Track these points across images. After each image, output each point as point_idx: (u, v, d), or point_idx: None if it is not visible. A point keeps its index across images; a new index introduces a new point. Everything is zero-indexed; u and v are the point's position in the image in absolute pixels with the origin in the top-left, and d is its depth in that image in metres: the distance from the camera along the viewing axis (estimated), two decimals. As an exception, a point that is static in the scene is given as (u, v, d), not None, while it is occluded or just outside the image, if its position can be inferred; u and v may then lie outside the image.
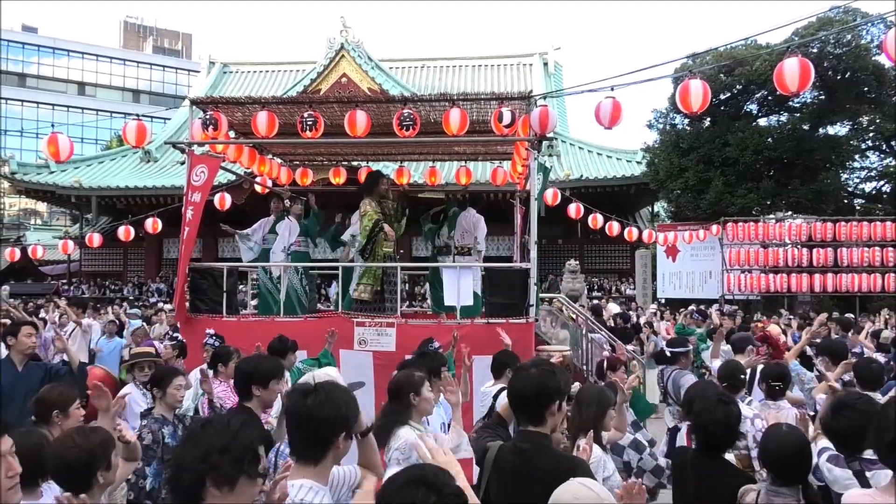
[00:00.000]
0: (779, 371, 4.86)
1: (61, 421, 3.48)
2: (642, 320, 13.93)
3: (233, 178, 10.29)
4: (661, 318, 13.78)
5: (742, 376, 4.85)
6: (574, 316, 10.87)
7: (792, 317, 13.89)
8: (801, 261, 18.23)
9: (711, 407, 3.13)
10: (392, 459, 3.28)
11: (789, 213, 19.62)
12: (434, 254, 8.95)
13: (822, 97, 20.49)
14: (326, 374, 3.02)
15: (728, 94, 21.18)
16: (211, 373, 5.08)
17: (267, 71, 34.97)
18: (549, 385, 2.71)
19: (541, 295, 9.13)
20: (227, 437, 1.87)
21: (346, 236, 8.78)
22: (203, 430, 1.92)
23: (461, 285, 7.00)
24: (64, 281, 28.75)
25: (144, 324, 12.42)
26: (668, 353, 6.24)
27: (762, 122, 22.22)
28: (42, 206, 53.57)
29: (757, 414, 4.44)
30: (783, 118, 21.86)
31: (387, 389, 3.57)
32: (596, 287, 25.72)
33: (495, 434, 3.15)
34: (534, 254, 7.07)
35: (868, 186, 23.52)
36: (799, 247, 18.35)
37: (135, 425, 4.35)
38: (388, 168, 14.65)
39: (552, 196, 10.99)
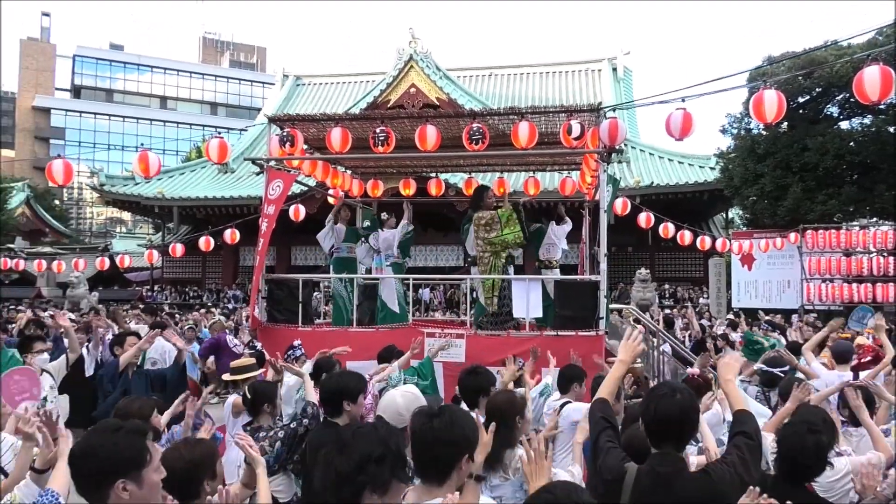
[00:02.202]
0: (865, 393, 4.41)
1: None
2: (718, 331, 13.48)
3: (305, 188, 10.61)
4: (735, 329, 13.32)
5: None
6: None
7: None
8: (887, 269, 17.40)
9: (801, 436, 2.96)
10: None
11: (874, 219, 18.76)
12: (469, 264, 8.46)
13: (910, 98, 19.54)
14: (408, 390, 3.08)
15: (807, 97, 20.39)
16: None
17: (338, 83, 35.80)
18: (694, 409, 2.66)
19: (610, 306, 9.01)
20: (380, 446, 2.06)
21: (470, 248, 8.00)
22: (355, 438, 2.09)
23: (530, 298, 7.03)
24: (147, 287, 30.11)
25: (222, 318, 13.21)
26: (781, 374, 6.00)
27: (843, 125, 21.27)
28: (126, 215, 56.27)
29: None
30: (866, 120, 20.86)
31: (488, 412, 3.40)
32: (668, 295, 25.16)
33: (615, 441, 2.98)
34: (603, 266, 7.02)
35: (960, 190, 22.22)
36: (885, 255, 17.52)
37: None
38: (457, 178, 14.80)
39: (622, 205, 10.87)
